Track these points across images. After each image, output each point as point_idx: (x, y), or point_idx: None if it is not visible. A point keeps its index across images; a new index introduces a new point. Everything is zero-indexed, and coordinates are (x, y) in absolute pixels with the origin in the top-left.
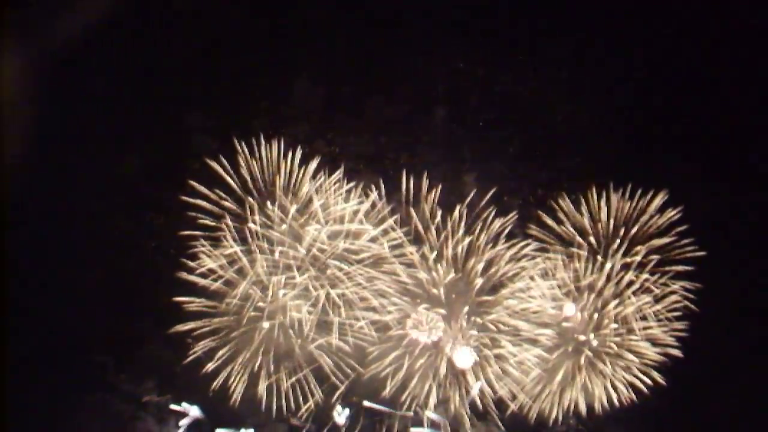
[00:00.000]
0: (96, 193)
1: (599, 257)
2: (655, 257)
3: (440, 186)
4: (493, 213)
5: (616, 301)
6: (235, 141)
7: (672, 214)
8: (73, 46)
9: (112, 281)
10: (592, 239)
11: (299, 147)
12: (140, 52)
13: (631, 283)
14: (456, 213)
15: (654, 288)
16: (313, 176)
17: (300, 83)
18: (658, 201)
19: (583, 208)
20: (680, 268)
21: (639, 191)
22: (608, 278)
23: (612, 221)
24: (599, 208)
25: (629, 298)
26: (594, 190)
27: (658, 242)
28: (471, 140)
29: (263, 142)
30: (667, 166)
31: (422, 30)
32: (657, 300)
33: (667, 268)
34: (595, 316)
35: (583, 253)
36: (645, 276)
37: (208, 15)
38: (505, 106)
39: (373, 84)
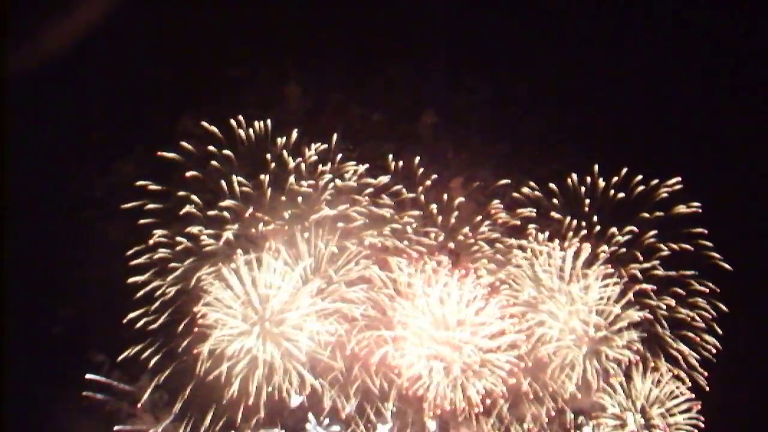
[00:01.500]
0: (90, 198)
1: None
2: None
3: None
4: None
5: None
6: (205, 124)
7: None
8: (66, 54)
9: (107, 284)
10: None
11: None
12: (133, 59)
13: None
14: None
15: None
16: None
17: (290, 90)
18: (664, 191)
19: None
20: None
21: (638, 178)
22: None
23: (590, 211)
24: (581, 197)
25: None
26: (575, 177)
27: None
28: (457, 145)
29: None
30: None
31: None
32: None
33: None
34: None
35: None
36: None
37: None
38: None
39: (360, 90)
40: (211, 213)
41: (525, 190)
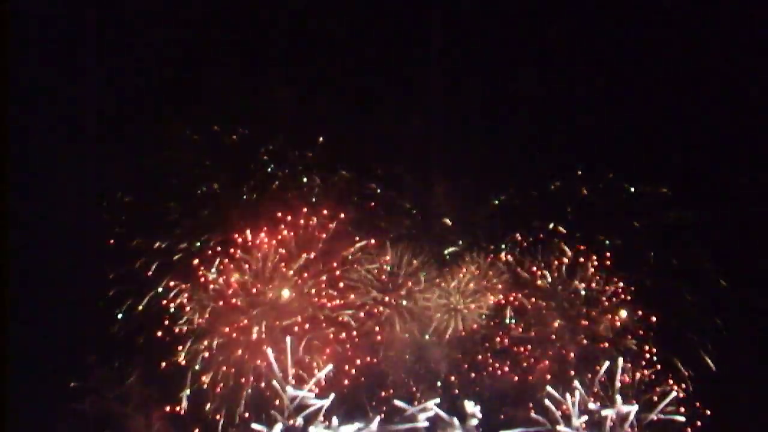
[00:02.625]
0: (85, 205)
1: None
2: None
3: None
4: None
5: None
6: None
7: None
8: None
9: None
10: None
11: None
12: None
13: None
14: None
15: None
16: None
17: (279, 94)
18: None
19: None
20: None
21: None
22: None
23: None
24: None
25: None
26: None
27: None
28: (442, 152)
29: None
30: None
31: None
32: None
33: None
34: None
35: None
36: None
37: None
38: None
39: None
40: (197, 219)
41: (509, 196)
